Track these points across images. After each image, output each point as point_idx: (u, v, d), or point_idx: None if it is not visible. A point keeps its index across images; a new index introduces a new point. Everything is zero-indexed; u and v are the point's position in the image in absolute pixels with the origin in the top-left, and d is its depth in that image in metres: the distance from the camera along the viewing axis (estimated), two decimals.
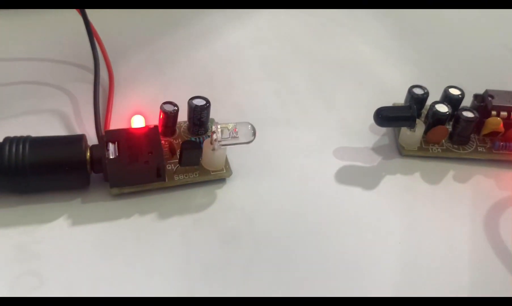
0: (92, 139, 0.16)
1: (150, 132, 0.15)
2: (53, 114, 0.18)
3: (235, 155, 0.16)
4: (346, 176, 0.17)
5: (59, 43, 0.21)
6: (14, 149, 0.14)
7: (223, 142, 0.15)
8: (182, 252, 0.14)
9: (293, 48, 0.23)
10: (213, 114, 0.17)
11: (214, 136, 0.15)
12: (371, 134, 0.19)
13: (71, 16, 0.19)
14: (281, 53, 0.23)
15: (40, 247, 0.14)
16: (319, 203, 0.16)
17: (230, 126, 0.15)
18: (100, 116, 0.17)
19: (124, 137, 0.15)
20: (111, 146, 0.15)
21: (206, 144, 0.15)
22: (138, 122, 0.16)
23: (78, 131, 0.17)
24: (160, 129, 0.16)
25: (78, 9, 0.19)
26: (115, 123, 0.17)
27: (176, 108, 0.16)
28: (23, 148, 0.14)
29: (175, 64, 0.21)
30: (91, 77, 0.19)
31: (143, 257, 0.14)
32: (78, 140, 0.14)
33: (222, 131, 0.15)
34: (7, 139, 0.14)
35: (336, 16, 0.25)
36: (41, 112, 0.18)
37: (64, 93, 0.19)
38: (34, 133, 0.15)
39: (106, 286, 0.13)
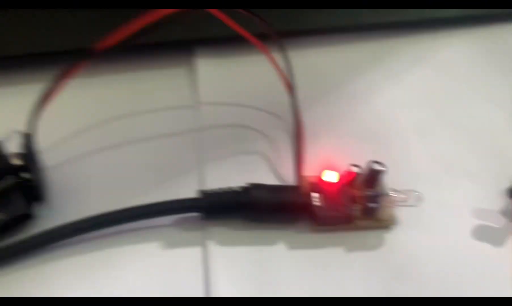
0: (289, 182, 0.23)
1: (343, 188, 0.21)
2: (258, 156, 0.24)
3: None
4: None
5: (256, 90, 0.28)
6: (256, 193, 0.21)
7: (396, 204, 0.21)
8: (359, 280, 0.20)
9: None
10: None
11: (390, 199, 0.21)
12: None
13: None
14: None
15: (270, 259, 0.20)
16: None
17: (403, 192, 0.21)
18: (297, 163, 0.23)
19: (324, 189, 0.21)
20: (316, 196, 0.21)
21: (382, 201, 0.21)
22: (329, 176, 0.22)
23: (278, 173, 0.24)
24: (349, 180, 0.22)
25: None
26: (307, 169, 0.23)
27: (383, 168, 0.21)
28: (261, 192, 0.21)
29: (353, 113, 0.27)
30: (281, 123, 0.26)
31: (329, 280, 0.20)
32: (297, 190, 0.21)
33: (396, 195, 0.21)
34: (251, 185, 0.21)
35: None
36: (249, 154, 0.24)
37: (264, 137, 0.25)
38: (243, 171, 0.22)
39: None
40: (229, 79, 0.28)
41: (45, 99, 0.19)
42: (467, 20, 0.32)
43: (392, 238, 0.21)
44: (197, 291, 0.19)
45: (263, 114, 0.26)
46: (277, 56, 0.23)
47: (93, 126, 0.25)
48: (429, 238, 0.22)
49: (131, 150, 0.24)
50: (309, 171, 0.23)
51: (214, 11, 0.21)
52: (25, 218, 0.20)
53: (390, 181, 0.22)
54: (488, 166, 0.25)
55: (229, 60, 0.29)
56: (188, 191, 0.22)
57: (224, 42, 0.29)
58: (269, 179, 0.23)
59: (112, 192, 0.22)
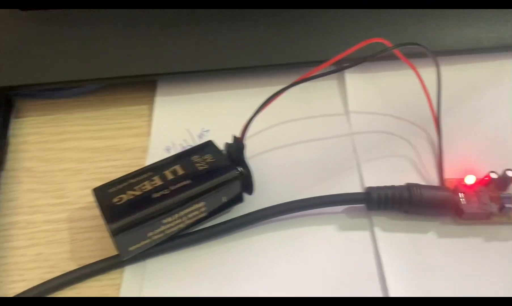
0: (433, 182, 0.28)
1: (482, 190, 0.26)
2: (403, 159, 0.30)
3: None
4: None
5: (397, 101, 0.33)
6: (415, 191, 0.26)
7: None
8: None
9: None
10: None
11: None
12: None
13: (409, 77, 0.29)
14: None
15: (423, 241, 0.26)
16: None
17: None
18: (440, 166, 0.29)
19: (467, 190, 0.26)
20: (461, 195, 0.26)
21: None
22: (470, 180, 0.27)
23: (423, 175, 0.29)
24: (485, 182, 0.27)
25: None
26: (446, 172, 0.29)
27: None
28: (419, 191, 0.26)
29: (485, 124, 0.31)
30: (420, 131, 0.31)
31: (471, 265, 0.25)
32: (446, 190, 0.26)
33: None
34: (409, 184, 0.26)
35: None
36: (395, 156, 0.30)
37: (406, 143, 0.31)
38: (393, 172, 0.28)
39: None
40: (372, 91, 0.33)
41: (261, 108, 0.25)
42: None
43: None
44: (370, 267, 0.25)
45: (405, 123, 0.31)
46: (423, 72, 0.29)
47: (269, 128, 0.31)
48: None
49: (300, 149, 0.30)
50: (448, 174, 0.28)
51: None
52: (238, 201, 0.27)
53: None
54: None
55: (372, 75, 0.34)
56: (350, 185, 0.28)
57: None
58: (416, 179, 0.28)
59: (290, 183, 0.28)
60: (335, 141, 0.31)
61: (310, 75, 0.24)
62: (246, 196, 0.27)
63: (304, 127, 0.31)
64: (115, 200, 0.24)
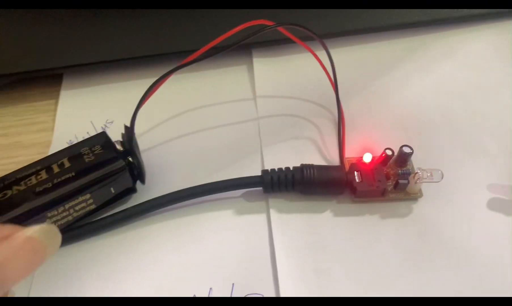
0: (332, 162, 0.28)
1: (378, 167, 0.26)
2: (306, 141, 0.29)
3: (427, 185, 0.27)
4: None
5: (304, 84, 0.33)
6: (308, 172, 0.26)
7: (422, 180, 0.26)
8: (390, 241, 0.25)
9: None
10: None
11: (417, 176, 0.26)
12: None
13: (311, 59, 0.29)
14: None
15: (318, 221, 0.26)
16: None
17: (428, 171, 0.26)
18: (341, 146, 0.28)
19: (362, 168, 0.26)
20: (356, 174, 0.26)
21: (411, 178, 0.26)
22: (367, 157, 0.27)
23: (325, 155, 0.29)
24: (381, 160, 0.27)
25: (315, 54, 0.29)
26: (348, 151, 0.29)
27: (412, 151, 0.26)
28: (312, 171, 0.26)
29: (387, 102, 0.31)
30: (324, 112, 0.31)
31: (366, 238, 0.25)
32: (341, 169, 0.26)
33: (422, 173, 0.26)
34: (303, 165, 0.26)
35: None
36: (299, 138, 0.29)
37: (311, 125, 0.30)
38: (296, 153, 0.28)
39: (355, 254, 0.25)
40: (280, 75, 0.33)
41: (145, 98, 0.25)
42: (490, 15, 0.35)
43: (419, 207, 0.26)
44: (264, 247, 0.25)
45: (310, 105, 0.31)
46: (321, 55, 0.28)
47: (174, 116, 0.31)
48: (449, 208, 0.26)
49: (206, 135, 0.30)
50: (350, 153, 0.28)
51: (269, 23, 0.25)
52: (130, 192, 0.26)
53: (418, 161, 0.27)
54: (507, 148, 0.29)
55: (280, 59, 0.34)
56: (253, 169, 0.27)
57: (276, 44, 0.34)
58: (318, 160, 0.28)
59: (191, 170, 0.28)
60: (242, 126, 0.30)
61: (191, 59, 0.24)
62: (145, 186, 0.27)
63: (211, 115, 0.31)
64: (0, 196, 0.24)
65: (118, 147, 0.26)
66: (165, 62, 0.32)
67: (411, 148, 0.27)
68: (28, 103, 0.32)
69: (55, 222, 0.24)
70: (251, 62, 0.34)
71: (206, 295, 0.24)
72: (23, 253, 0.14)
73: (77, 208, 0.24)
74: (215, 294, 0.24)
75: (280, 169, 0.26)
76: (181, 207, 0.26)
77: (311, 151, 0.29)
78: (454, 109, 0.31)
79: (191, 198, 0.26)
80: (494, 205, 0.27)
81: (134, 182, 0.26)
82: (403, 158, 0.27)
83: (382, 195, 0.26)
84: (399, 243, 0.25)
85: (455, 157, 0.29)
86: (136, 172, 0.26)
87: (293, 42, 0.28)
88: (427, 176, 0.26)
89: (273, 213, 0.26)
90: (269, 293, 0.23)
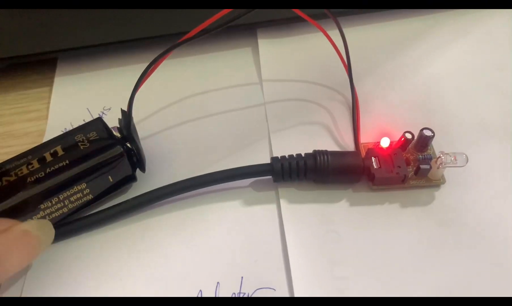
0: (347, 147, 0.26)
1: (397, 152, 0.24)
2: (317, 126, 0.27)
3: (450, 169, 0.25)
4: None
5: (313, 65, 0.31)
6: (321, 158, 0.24)
7: (445, 165, 0.24)
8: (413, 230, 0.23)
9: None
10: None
11: (440, 160, 0.24)
12: None
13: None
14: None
15: (333, 212, 0.24)
16: None
17: (451, 154, 0.24)
18: (356, 131, 0.26)
19: (380, 154, 0.24)
20: (374, 159, 0.24)
21: (433, 163, 0.24)
22: (385, 142, 0.25)
23: (338, 141, 0.27)
24: (400, 144, 0.25)
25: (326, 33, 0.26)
26: (363, 137, 0.27)
27: (433, 134, 0.24)
28: (326, 157, 0.24)
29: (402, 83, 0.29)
30: (336, 94, 0.29)
31: (385, 229, 0.23)
32: (357, 155, 0.24)
33: (445, 157, 0.24)
34: (316, 151, 0.24)
35: None
36: (309, 124, 0.27)
37: (322, 109, 0.28)
38: (306, 140, 0.26)
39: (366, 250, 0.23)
40: (287, 57, 0.31)
41: (142, 79, 0.23)
42: None
43: (442, 195, 0.24)
44: (274, 239, 0.23)
45: (320, 88, 0.29)
46: (332, 34, 0.26)
47: (174, 103, 0.29)
48: (475, 195, 0.24)
49: (210, 122, 0.28)
50: (365, 139, 0.26)
51: None
52: (130, 180, 0.24)
53: (438, 145, 0.25)
54: None
55: (287, 40, 0.32)
56: (261, 158, 0.25)
57: (282, 23, 0.32)
58: (330, 146, 0.26)
59: (193, 159, 0.26)
60: (248, 112, 0.28)
61: (191, 35, 0.22)
62: (145, 175, 0.25)
63: (214, 100, 0.29)
64: None
65: (116, 133, 0.24)
66: (166, 45, 0.30)
67: (432, 131, 0.25)
68: (20, 91, 0.30)
69: (49, 214, 0.22)
70: (256, 44, 0.31)
71: (213, 290, 0.22)
72: (19, 247, 0.15)
73: (72, 199, 0.23)
74: (223, 288, 0.22)
75: (291, 156, 0.24)
76: (185, 198, 0.25)
77: (323, 137, 0.27)
78: (474, 88, 0.29)
79: (196, 189, 0.24)
80: None
81: (134, 170, 0.24)
82: (423, 142, 0.25)
83: (402, 182, 0.24)
84: (421, 233, 0.23)
85: (477, 139, 0.27)
86: (136, 159, 0.24)
87: (301, 21, 0.26)
88: (451, 160, 0.24)
89: (284, 204, 0.24)
90: (281, 286, 0.22)
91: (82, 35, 0.29)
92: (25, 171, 0.22)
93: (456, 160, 0.24)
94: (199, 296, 0.22)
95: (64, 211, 0.23)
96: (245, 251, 0.23)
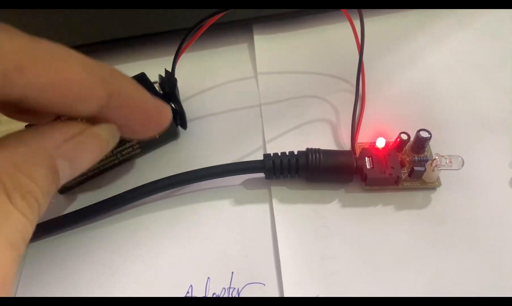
0: (345, 146, 0.26)
1: (392, 153, 0.24)
2: (314, 123, 0.27)
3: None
4: None
5: (309, 61, 0.30)
6: (313, 156, 0.24)
7: (440, 168, 0.23)
8: (407, 230, 0.23)
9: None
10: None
11: (435, 163, 0.23)
12: None
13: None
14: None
15: (325, 211, 0.23)
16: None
17: (447, 157, 0.23)
18: (354, 130, 0.26)
19: (374, 154, 0.24)
20: (367, 159, 0.24)
21: (428, 165, 0.24)
22: (380, 142, 0.25)
23: (335, 139, 0.26)
24: (396, 145, 0.25)
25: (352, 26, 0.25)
26: (361, 136, 0.26)
27: (430, 135, 0.24)
28: (318, 156, 0.24)
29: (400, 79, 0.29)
30: (333, 91, 0.28)
31: (377, 230, 0.23)
32: (350, 155, 0.24)
33: (440, 160, 0.23)
34: (308, 150, 0.24)
35: None
36: (305, 121, 0.27)
37: (325, 103, 0.28)
38: (301, 138, 0.25)
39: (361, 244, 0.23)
40: (283, 53, 0.31)
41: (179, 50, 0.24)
42: None
43: (437, 197, 0.24)
44: (266, 236, 0.23)
45: (317, 84, 0.29)
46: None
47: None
48: (471, 197, 0.24)
49: (202, 119, 0.28)
50: (363, 138, 0.26)
51: None
52: (173, 137, 0.26)
53: (436, 143, 0.25)
54: None
55: (282, 35, 0.31)
56: (255, 155, 0.25)
57: (278, 19, 0.31)
58: (327, 145, 0.25)
59: (190, 153, 0.26)
60: (243, 108, 0.28)
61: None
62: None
63: (208, 97, 0.29)
64: None
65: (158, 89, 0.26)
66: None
67: (429, 133, 0.24)
68: None
69: (102, 165, 0.25)
70: (252, 40, 0.31)
71: (203, 285, 0.22)
72: (90, 148, 0.16)
73: (124, 152, 0.25)
74: (214, 283, 0.22)
75: (283, 153, 0.24)
76: (177, 195, 0.25)
77: (319, 134, 0.27)
78: (472, 82, 0.28)
79: (187, 183, 0.24)
80: None
81: (176, 126, 0.26)
82: (420, 143, 0.24)
83: (396, 184, 0.24)
84: (414, 236, 0.23)
85: (475, 135, 0.26)
86: (178, 117, 0.25)
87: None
88: (446, 163, 0.23)
89: (276, 202, 0.24)
90: (271, 281, 0.22)
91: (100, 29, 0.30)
92: None
93: (451, 163, 0.23)
94: (190, 290, 0.22)
95: (115, 163, 0.25)
96: (236, 247, 0.23)
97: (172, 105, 0.25)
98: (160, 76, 0.26)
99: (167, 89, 0.25)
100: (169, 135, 0.26)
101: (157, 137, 0.25)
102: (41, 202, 0.14)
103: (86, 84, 0.14)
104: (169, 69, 0.25)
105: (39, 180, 0.14)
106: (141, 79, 0.25)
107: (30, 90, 0.13)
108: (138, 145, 0.25)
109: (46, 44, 0.14)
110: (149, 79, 0.26)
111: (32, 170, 0.14)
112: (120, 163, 0.25)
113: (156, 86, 0.26)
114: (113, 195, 0.24)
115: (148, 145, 0.26)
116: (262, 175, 0.24)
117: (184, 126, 0.26)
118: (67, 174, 0.15)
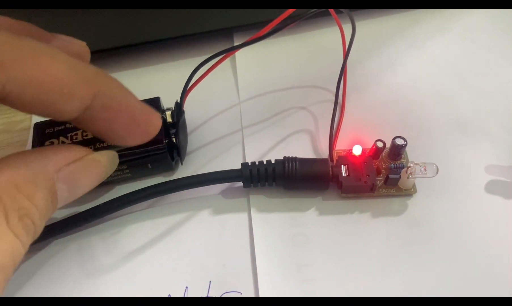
0: (323, 154, 0.26)
1: (368, 160, 0.24)
2: (294, 132, 0.27)
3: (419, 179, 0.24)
4: None
5: (292, 69, 0.30)
6: (289, 165, 0.24)
7: (415, 175, 0.23)
8: (382, 235, 0.23)
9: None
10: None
11: (409, 170, 0.23)
12: None
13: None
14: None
15: (302, 219, 0.24)
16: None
17: (421, 165, 0.23)
18: (332, 137, 0.26)
19: (351, 162, 0.24)
20: (343, 167, 0.24)
21: (403, 172, 0.24)
22: (357, 150, 0.25)
23: (315, 146, 0.27)
24: (372, 152, 0.25)
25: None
26: (340, 143, 0.26)
27: (405, 142, 0.24)
28: (295, 164, 0.24)
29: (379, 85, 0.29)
30: (313, 100, 0.28)
31: (354, 237, 0.23)
32: (326, 163, 0.24)
33: (415, 167, 0.23)
34: (285, 158, 0.24)
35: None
36: (286, 129, 0.27)
37: (305, 111, 0.28)
38: (282, 146, 0.26)
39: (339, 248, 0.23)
40: (264, 61, 0.31)
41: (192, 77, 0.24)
42: None
43: (413, 204, 0.24)
44: (244, 245, 0.23)
45: (298, 93, 0.29)
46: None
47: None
48: (446, 203, 0.24)
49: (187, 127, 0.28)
50: (342, 146, 0.26)
51: None
52: (167, 169, 0.26)
53: (413, 149, 0.25)
54: (506, 126, 0.27)
55: (264, 43, 0.31)
56: (235, 164, 0.26)
57: (258, 27, 0.31)
58: (306, 153, 0.26)
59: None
60: (223, 116, 0.29)
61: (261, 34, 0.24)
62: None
63: (187, 105, 0.29)
64: (46, 143, 0.24)
65: (168, 117, 0.25)
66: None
67: (405, 140, 0.24)
68: None
69: None
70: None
71: (181, 294, 0.22)
72: (89, 174, 0.16)
73: (112, 174, 0.24)
74: (191, 292, 0.22)
75: (261, 162, 0.24)
76: (156, 206, 0.25)
77: (299, 143, 0.27)
78: (450, 87, 0.29)
79: (166, 193, 0.24)
80: (494, 188, 0.24)
81: (173, 161, 0.26)
82: (396, 150, 0.25)
83: (372, 191, 0.24)
84: (390, 242, 0.23)
85: (452, 140, 0.26)
86: (176, 153, 0.25)
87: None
88: (420, 170, 0.23)
89: (254, 211, 0.24)
90: (247, 289, 0.22)
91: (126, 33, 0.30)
92: (79, 137, 0.24)
93: (426, 170, 0.23)
94: None
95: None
96: (214, 256, 0.23)
97: (173, 138, 0.25)
98: (176, 103, 0.25)
99: (175, 119, 0.25)
100: (163, 168, 0.26)
101: (149, 166, 0.25)
102: (38, 224, 0.14)
103: (69, 82, 0.14)
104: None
105: (39, 202, 0.14)
106: (153, 102, 0.25)
107: (11, 86, 0.13)
108: (128, 171, 0.25)
109: (29, 41, 0.13)
110: (161, 106, 0.26)
111: (33, 192, 0.14)
112: (108, 181, 0.25)
113: (169, 114, 0.25)
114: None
115: (139, 172, 0.26)
116: (241, 184, 0.25)
117: (181, 161, 0.26)
118: (65, 198, 0.15)
